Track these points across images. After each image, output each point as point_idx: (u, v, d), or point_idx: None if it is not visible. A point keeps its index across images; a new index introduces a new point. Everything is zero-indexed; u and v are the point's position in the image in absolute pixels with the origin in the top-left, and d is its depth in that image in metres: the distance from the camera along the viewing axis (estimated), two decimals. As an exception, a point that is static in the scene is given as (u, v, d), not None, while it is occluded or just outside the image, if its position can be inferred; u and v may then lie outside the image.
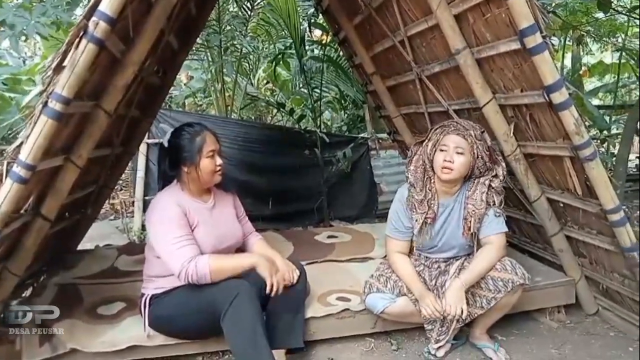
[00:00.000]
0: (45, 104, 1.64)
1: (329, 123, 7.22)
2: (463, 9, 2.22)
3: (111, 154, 2.94)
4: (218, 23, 5.20)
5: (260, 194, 4.64)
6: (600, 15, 5.52)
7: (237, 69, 5.82)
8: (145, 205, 4.73)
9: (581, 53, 7.80)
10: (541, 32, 1.89)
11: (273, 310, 2.17)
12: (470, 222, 2.17)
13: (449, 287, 2.08)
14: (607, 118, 6.12)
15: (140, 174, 4.69)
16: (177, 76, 7.26)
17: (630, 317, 2.41)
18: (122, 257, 3.16)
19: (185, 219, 2.04)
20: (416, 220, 2.23)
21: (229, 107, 5.93)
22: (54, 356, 2.08)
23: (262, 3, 5.43)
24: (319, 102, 5.10)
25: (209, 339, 2.20)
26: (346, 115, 6.43)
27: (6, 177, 1.68)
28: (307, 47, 5.17)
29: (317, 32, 5.74)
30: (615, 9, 5.01)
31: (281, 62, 5.74)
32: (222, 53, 5.46)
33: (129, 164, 4.65)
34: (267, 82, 7.82)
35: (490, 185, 2.19)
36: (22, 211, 1.97)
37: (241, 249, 2.38)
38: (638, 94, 7.21)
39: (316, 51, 5.74)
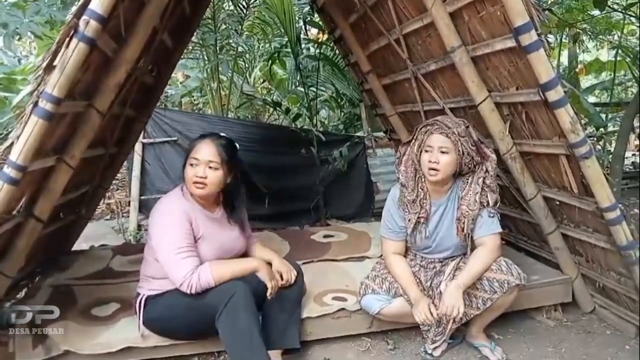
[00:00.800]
0: (35, 104, 1.62)
1: (325, 122, 7.21)
2: (458, 7, 2.21)
3: (105, 154, 2.92)
4: (213, 22, 5.18)
5: (257, 193, 4.61)
6: (596, 12, 5.52)
7: (233, 67, 5.80)
8: (141, 205, 4.71)
9: (577, 51, 7.81)
10: (536, 30, 1.87)
11: (269, 311, 2.16)
12: (463, 223, 2.16)
13: (447, 290, 2.07)
14: (603, 116, 6.13)
15: (136, 173, 4.67)
16: (173, 75, 7.27)
17: (627, 315, 2.41)
18: (117, 258, 3.14)
19: (190, 227, 2.02)
20: (409, 220, 2.22)
21: (225, 106, 5.91)
22: (48, 358, 2.06)
23: (257, 1, 5.41)
24: (315, 101, 5.08)
25: (204, 339, 2.18)
26: (343, 113, 6.42)
27: (-3, 178, 1.67)
28: (303, 46, 5.16)
29: (314, 31, 5.72)
30: (611, 6, 5.01)
31: (277, 61, 5.73)
32: (218, 52, 5.44)
33: (125, 164, 4.64)
34: (264, 81, 7.80)
35: (484, 184, 2.17)
36: (14, 212, 1.96)
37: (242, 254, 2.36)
38: (634, 91, 7.21)
39: (312, 49, 5.73)
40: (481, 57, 2.29)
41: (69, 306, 2.42)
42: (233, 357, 1.93)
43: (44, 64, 1.64)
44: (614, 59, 6.37)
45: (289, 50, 4.88)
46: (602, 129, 5.92)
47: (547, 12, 5.14)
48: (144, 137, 4.58)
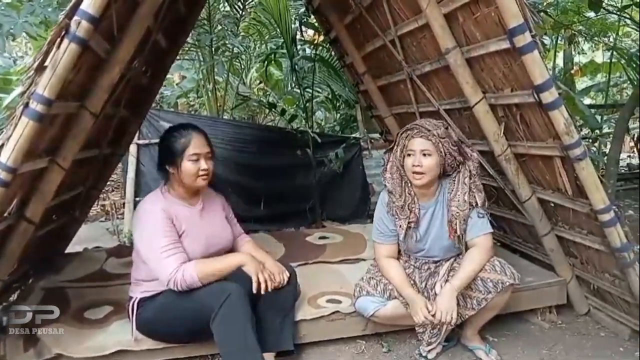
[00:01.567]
0: (26, 105, 1.61)
1: (322, 123, 7.21)
2: (453, 8, 2.21)
3: (99, 155, 2.90)
4: (209, 22, 5.17)
5: (252, 194, 4.61)
6: (591, 14, 5.54)
7: (228, 68, 5.79)
8: (136, 206, 4.68)
9: (573, 52, 7.83)
10: (530, 32, 1.87)
11: (263, 313, 2.14)
12: (455, 224, 2.16)
13: (441, 293, 2.06)
14: (598, 117, 6.15)
15: (131, 174, 4.64)
16: (169, 76, 7.25)
17: (621, 317, 2.41)
18: (111, 260, 3.13)
19: (171, 225, 2.01)
20: (400, 227, 2.22)
21: (221, 107, 5.90)
22: (39, 362, 2.04)
23: (253, 2, 5.40)
24: (311, 102, 5.07)
25: (198, 342, 2.17)
26: (339, 115, 6.42)
27: (-13, 180, 1.65)
28: (298, 47, 5.15)
29: (311, 32, 5.72)
30: (606, 8, 5.03)
31: (273, 62, 5.72)
32: (213, 53, 5.43)
33: (120, 165, 4.62)
34: (260, 82, 7.79)
35: (470, 184, 2.17)
36: (5, 214, 1.94)
37: (231, 251, 2.35)
38: (629, 93, 7.23)
39: (308, 50, 5.72)
40: (476, 59, 2.29)
41: (62, 309, 2.39)
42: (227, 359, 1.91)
43: (35, 65, 1.62)
44: (609, 60, 6.39)
45: (285, 51, 4.87)
46: (597, 131, 5.93)
47: (542, 13, 5.16)
48: (138, 138, 4.55)
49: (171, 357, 2.19)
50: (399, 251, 2.34)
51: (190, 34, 4.61)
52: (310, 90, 4.98)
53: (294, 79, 5.29)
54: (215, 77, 5.88)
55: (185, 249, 2.01)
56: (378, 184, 5.05)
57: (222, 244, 2.21)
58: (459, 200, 2.15)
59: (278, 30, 4.81)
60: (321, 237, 3.56)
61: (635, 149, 7.31)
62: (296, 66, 4.80)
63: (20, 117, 1.62)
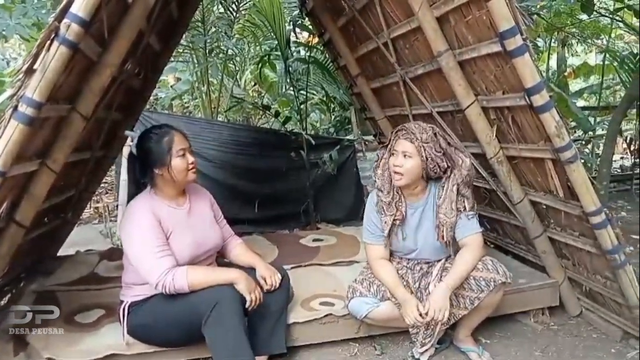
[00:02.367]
0: (15, 108, 1.59)
1: (317, 124, 7.20)
2: (445, 11, 2.21)
3: (91, 158, 2.89)
4: (203, 24, 5.16)
5: (247, 196, 4.59)
6: (584, 17, 5.57)
7: (223, 70, 5.78)
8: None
9: (566, 54, 7.88)
10: (521, 34, 1.88)
11: (255, 316, 2.13)
12: (443, 231, 2.17)
13: (434, 292, 2.07)
14: (591, 119, 6.18)
15: (124, 177, 4.60)
16: (164, 78, 7.25)
17: (613, 318, 2.42)
18: (103, 263, 3.11)
19: (159, 227, 2.00)
20: (385, 222, 2.22)
21: (215, 109, 5.89)
22: (29, 366, 2.03)
23: (247, 4, 5.40)
24: (305, 104, 5.07)
25: (190, 346, 2.15)
26: (333, 117, 6.42)
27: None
28: (293, 49, 5.15)
29: (305, 34, 5.72)
30: (598, 11, 5.06)
31: (267, 64, 5.71)
32: (207, 55, 5.42)
33: (113, 167, 4.60)
34: (255, 84, 7.79)
35: (458, 192, 2.18)
36: (-5, 218, 1.92)
37: (221, 252, 2.35)
38: (622, 95, 7.28)
39: (302, 52, 5.72)
40: (468, 62, 2.29)
41: (53, 312, 2.39)
42: (219, 363, 1.91)
43: (24, 68, 1.61)
44: (602, 63, 6.43)
45: (279, 53, 4.87)
46: (590, 133, 5.96)
47: (536, 16, 5.19)
48: (131, 141, 4.53)
49: (163, 361, 2.18)
50: (391, 253, 2.34)
51: (184, 36, 4.60)
52: (305, 92, 4.98)
53: (288, 80, 5.29)
54: (210, 79, 5.87)
55: (173, 251, 2.00)
56: (372, 185, 5.04)
57: (210, 245, 2.19)
58: (446, 208, 2.17)
59: (272, 32, 4.80)
60: (315, 240, 3.55)
61: (628, 151, 7.35)
62: (290, 68, 4.80)
63: (9, 120, 1.60)
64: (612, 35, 6.44)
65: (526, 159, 2.38)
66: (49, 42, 1.60)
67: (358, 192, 5.02)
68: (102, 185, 5.67)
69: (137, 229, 1.99)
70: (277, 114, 4.87)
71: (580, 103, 7.94)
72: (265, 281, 2.14)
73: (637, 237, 3.99)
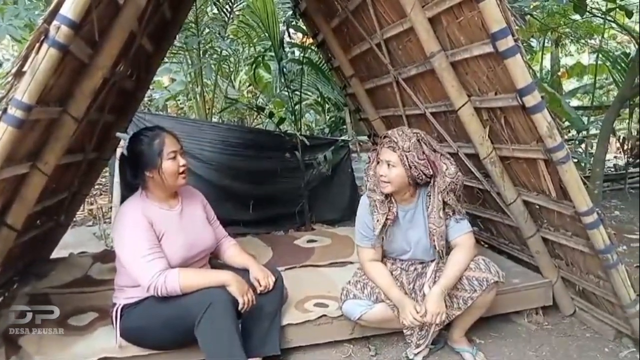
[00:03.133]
0: (4, 111, 1.58)
1: (311, 125, 7.20)
2: (437, 12, 2.22)
3: (84, 160, 2.87)
4: (196, 25, 5.15)
5: (241, 197, 4.58)
6: (577, 17, 5.60)
7: (217, 71, 5.77)
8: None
9: (560, 54, 7.92)
10: (513, 36, 1.88)
11: (249, 318, 2.12)
12: (434, 241, 2.18)
13: (429, 295, 2.07)
14: (585, 119, 6.21)
15: (117, 179, 4.60)
16: (159, 79, 7.22)
17: (606, 318, 2.43)
18: (97, 265, 3.09)
19: (151, 229, 1.99)
20: (377, 221, 2.21)
21: (210, 110, 5.88)
22: (21, 369, 2.01)
23: (241, 5, 5.39)
24: (299, 105, 5.07)
25: (183, 349, 2.14)
26: (328, 117, 6.42)
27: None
28: (287, 50, 5.14)
29: (300, 35, 5.72)
30: (591, 11, 5.09)
31: (262, 65, 5.70)
32: (201, 55, 5.40)
33: (107, 169, 4.58)
34: (249, 85, 7.78)
35: (443, 201, 2.18)
36: (-15, 221, 1.91)
37: (214, 253, 2.34)
38: (615, 94, 7.32)
39: (297, 53, 5.72)
40: (460, 62, 2.30)
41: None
42: (213, 365, 1.90)
43: (14, 70, 1.60)
44: (595, 62, 6.47)
45: (274, 54, 4.86)
46: (583, 132, 5.99)
47: (529, 16, 5.21)
48: (123, 143, 4.51)
49: (156, 364, 2.17)
50: (385, 254, 2.34)
51: (178, 37, 4.59)
52: (299, 93, 4.98)
53: (282, 81, 5.29)
54: (204, 80, 5.85)
55: (166, 253, 1.99)
56: (364, 188, 5.05)
57: (203, 246, 2.18)
58: (434, 217, 2.17)
59: (266, 33, 4.80)
60: (309, 240, 3.55)
61: (621, 150, 7.39)
62: (284, 69, 4.79)
63: (-2, 122, 1.59)
64: (605, 35, 6.48)
65: (519, 160, 2.38)
66: (38, 44, 1.59)
67: (353, 192, 5.03)
68: (95, 187, 5.64)
69: (128, 231, 1.98)
70: (271, 115, 4.86)
71: (574, 103, 7.98)
72: (259, 283, 2.14)
73: (631, 236, 4.02)
